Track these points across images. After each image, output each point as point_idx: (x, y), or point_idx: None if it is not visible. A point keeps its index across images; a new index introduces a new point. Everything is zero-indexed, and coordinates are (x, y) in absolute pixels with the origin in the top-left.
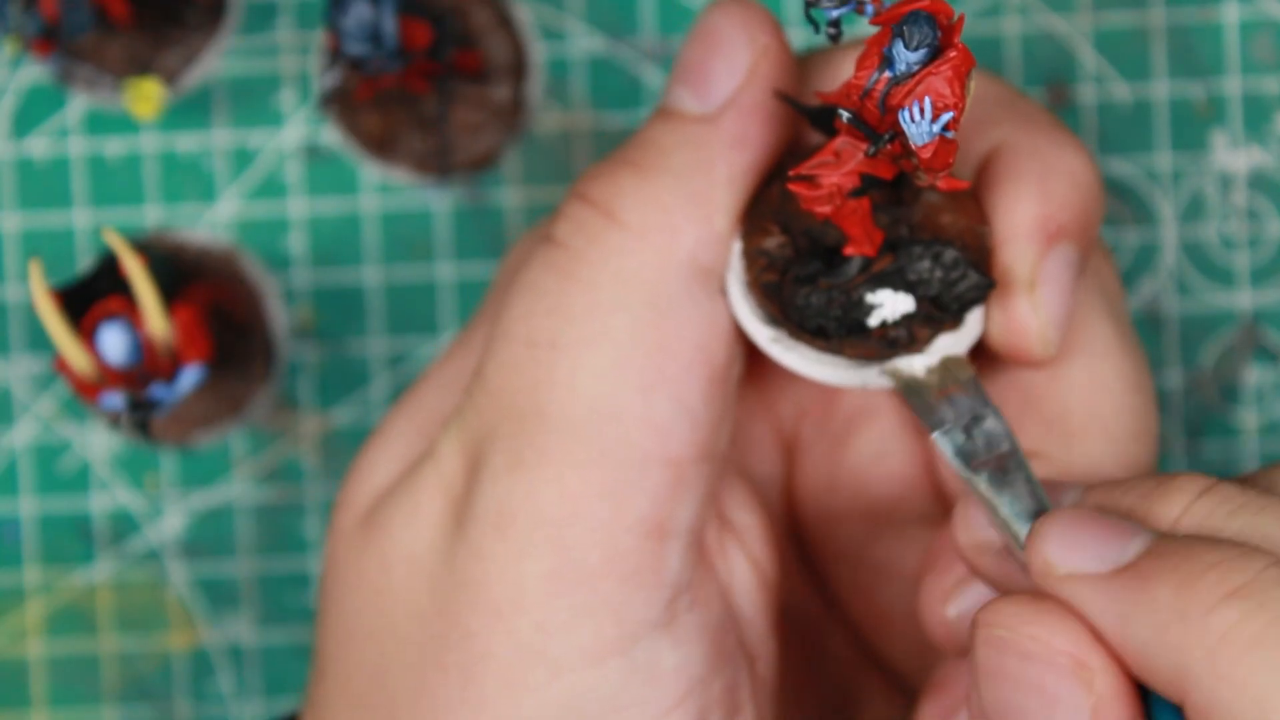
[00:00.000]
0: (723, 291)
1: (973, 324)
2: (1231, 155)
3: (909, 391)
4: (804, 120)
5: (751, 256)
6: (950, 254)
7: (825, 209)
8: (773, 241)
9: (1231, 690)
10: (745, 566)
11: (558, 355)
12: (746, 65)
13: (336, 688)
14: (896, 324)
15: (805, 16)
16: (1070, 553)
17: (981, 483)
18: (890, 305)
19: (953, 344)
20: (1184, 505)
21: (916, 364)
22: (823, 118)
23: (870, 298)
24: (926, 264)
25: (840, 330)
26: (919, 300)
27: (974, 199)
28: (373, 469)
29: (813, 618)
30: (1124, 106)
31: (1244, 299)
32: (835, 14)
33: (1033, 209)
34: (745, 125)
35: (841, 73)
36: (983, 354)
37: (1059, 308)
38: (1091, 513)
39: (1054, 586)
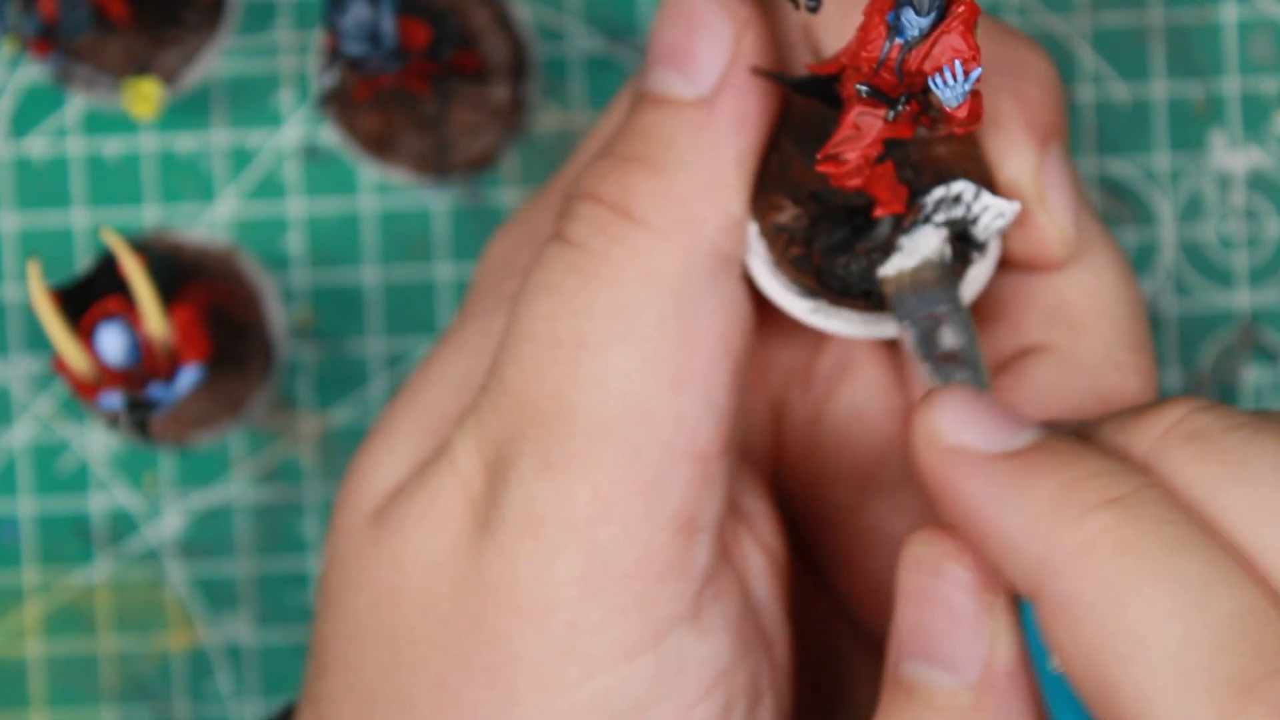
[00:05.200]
0: (743, 274)
1: (994, 247)
2: (1230, 155)
3: (888, 286)
4: (788, 90)
5: (771, 235)
6: (969, 190)
7: (856, 181)
8: (786, 215)
9: (1094, 588)
10: (758, 553)
11: (585, 354)
12: (731, 42)
13: (343, 686)
14: None
15: None
16: (960, 426)
17: (928, 371)
18: (925, 252)
19: (983, 271)
20: (1180, 415)
21: (895, 264)
22: (812, 87)
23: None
24: (949, 205)
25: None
26: (950, 240)
27: None
28: (377, 468)
29: (803, 594)
30: (1122, 106)
31: (1242, 299)
32: None
33: (1019, 120)
34: (743, 104)
35: (789, 17)
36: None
37: (1068, 207)
38: (989, 397)
39: (934, 458)
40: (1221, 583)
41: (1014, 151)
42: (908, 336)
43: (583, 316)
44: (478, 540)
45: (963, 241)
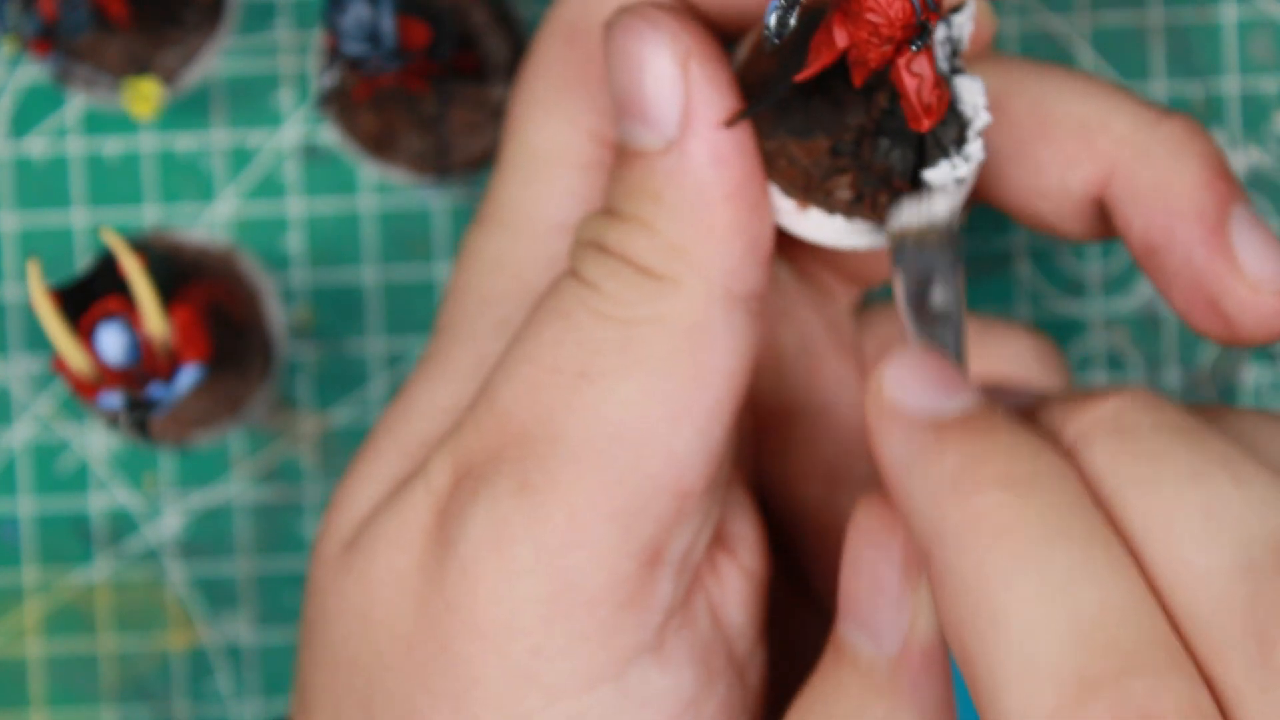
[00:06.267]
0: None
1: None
2: (1230, 155)
3: (891, 238)
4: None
5: (853, 209)
6: (942, 26)
7: (942, 107)
8: (845, 189)
9: (967, 565)
10: (736, 578)
11: (585, 383)
12: (679, 78)
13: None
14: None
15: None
16: (899, 383)
17: (909, 322)
18: (979, 110)
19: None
20: (1117, 407)
21: (904, 216)
22: (801, 89)
23: (974, 137)
24: (946, 45)
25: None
26: (953, 54)
27: None
28: (355, 495)
29: (785, 606)
30: None
31: None
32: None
33: None
34: (716, 136)
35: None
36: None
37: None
38: (941, 361)
39: (872, 410)
40: (1092, 576)
41: None
42: (899, 285)
43: (588, 348)
44: (441, 555)
45: (954, 58)
